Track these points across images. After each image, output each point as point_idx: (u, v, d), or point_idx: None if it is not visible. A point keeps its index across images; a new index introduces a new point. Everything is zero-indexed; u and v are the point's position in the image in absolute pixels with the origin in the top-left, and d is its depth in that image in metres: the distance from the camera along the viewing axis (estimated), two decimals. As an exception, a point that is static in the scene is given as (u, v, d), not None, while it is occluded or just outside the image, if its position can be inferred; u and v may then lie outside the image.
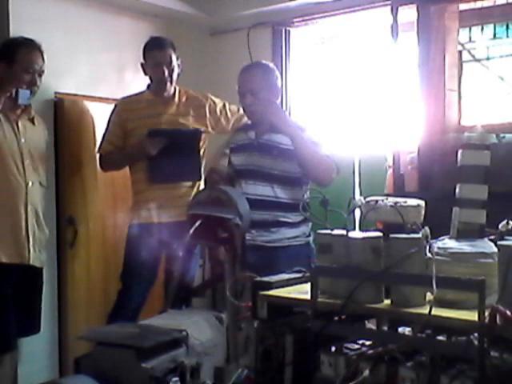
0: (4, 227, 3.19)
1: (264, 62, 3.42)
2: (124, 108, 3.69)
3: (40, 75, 3.31)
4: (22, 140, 3.26)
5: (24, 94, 3.21)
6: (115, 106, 3.73)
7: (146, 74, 3.69)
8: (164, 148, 3.49)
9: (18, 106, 3.26)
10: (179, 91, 3.72)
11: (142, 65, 3.68)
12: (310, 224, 3.26)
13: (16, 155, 3.22)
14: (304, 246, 3.19)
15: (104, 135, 3.70)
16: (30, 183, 3.25)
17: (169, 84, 3.63)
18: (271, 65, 3.38)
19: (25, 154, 3.26)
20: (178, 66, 3.66)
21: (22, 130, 3.28)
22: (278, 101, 3.33)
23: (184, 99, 3.73)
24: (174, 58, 3.62)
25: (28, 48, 3.28)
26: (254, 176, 3.19)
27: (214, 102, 3.77)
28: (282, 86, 3.40)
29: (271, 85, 3.25)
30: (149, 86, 3.72)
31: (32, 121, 3.37)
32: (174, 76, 3.64)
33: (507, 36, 4.40)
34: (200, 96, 3.77)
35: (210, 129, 3.73)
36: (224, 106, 3.77)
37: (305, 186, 3.20)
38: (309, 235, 3.24)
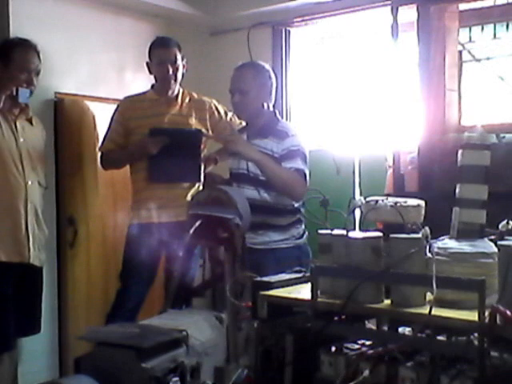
0: (4, 226, 3.20)
1: (258, 62, 3.42)
2: (127, 107, 3.69)
3: (37, 74, 3.32)
4: (21, 140, 3.27)
5: (24, 92, 3.24)
6: (118, 104, 3.73)
7: (150, 72, 3.69)
8: (165, 147, 3.49)
9: (17, 106, 3.27)
10: (183, 92, 3.73)
11: (147, 64, 3.68)
12: (302, 226, 3.27)
13: (15, 155, 3.23)
14: (293, 248, 3.21)
15: (106, 133, 3.70)
16: (30, 182, 3.26)
17: (173, 82, 3.63)
18: (266, 65, 3.37)
19: (23, 153, 3.27)
20: (183, 66, 3.66)
21: (21, 130, 3.29)
22: (271, 101, 3.32)
23: (187, 100, 3.73)
24: (178, 57, 3.62)
25: (23, 48, 3.30)
26: (243, 179, 3.22)
27: (217, 108, 3.77)
28: (278, 86, 3.38)
29: (262, 85, 3.26)
30: (153, 86, 3.72)
31: (30, 121, 3.38)
32: (179, 75, 3.64)
33: (507, 36, 4.39)
34: (203, 99, 3.77)
35: (210, 132, 3.73)
36: (226, 114, 3.77)
37: None
38: (300, 237, 3.25)
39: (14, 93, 3.21)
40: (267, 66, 3.37)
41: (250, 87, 3.24)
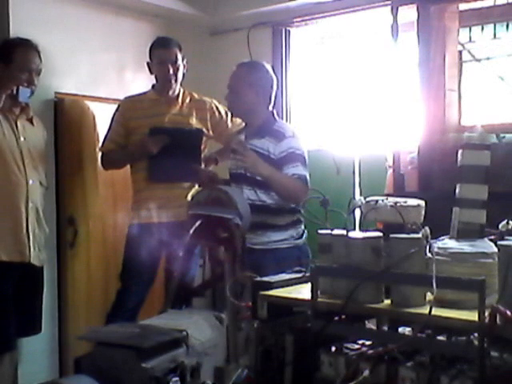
0: (5, 225, 3.20)
1: (258, 62, 3.42)
2: (127, 107, 3.69)
3: (37, 74, 3.33)
4: (22, 139, 3.28)
5: (24, 91, 3.24)
6: (119, 104, 3.73)
7: (151, 72, 3.70)
8: (165, 147, 3.49)
9: (17, 105, 3.27)
10: (183, 92, 3.73)
11: (147, 64, 3.68)
12: (301, 226, 3.27)
13: (16, 154, 3.24)
14: (293, 248, 3.20)
15: (106, 133, 3.70)
16: (31, 181, 3.26)
17: (173, 82, 3.63)
18: (266, 66, 3.36)
19: (24, 152, 3.27)
20: (184, 66, 3.67)
21: (21, 129, 3.30)
22: (269, 102, 3.32)
23: (188, 100, 3.73)
24: (179, 57, 3.63)
25: (24, 48, 3.31)
26: (241, 179, 3.23)
27: (217, 108, 3.77)
28: (278, 86, 3.37)
29: (254, 84, 3.25)
30: (153, 86, 3.73)
31: (31, 121, 3.39)
32: (179, 75, 3.64)
33: (507, 36, 4.39)
34: (204, 99, 3.78)
35: (210, 132, 3.73)
36: (226, 114, 3.76)
37: None
38: (299, 238, 3.25)
39: (15, 92, 3.21)
40: (267, 67, 3.36)
41: (240, 86, 3.25)
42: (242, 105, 3.27)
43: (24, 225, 3.24)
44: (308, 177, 3.16)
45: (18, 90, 3.21)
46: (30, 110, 3.36)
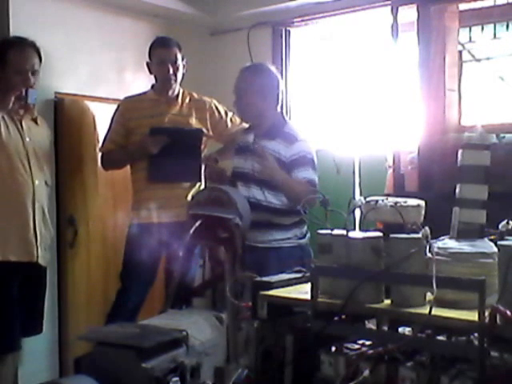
0: (12, 225, 3.19)
1: (263, 63, 3.42)
2: (127, 107, 3.69)
3: (33, 74, 3.30)
4: (27, 139, 3.27)
5: (33, 93, 3.24)
6: (118, 105, 3.73)
7: (151, 72, 3.69)
8: (165, 147, 3.49)
9: (23, 105, 3.26)
10: (183, 92, 3.73)
11: (147, 64, 3.68)
12: (305, 226, 3.27)
13: (22, 154, 3.23)
14: (295, 247, 3.21)
15: (106, 134, 3.70)
16: (37, 182, 3.26)
17: (173, 82, 3.63)
18: (271, 68, 3.37)
19: (30, 153, 3.27)
20: (184, 66, 3.67)
21: (27, 129, 3.29)
22: (277, 103, 3.33)
23: (187, 100, 3.73)
24: (179, 56, 3.63)
25: (19, 48, 3.27)
26: (248, 179, 3.23)
27: (217, 108, 3.77)
28: (280, 87, 3.37)
29: (261, 89, 3.26)
30: (153, 86, 3.73)
31: (35, 121, 3.38)
32: (179, 75, 3.64)
33: (507, 36, 4.39)
34: (203, 99, 3.77)
35: (210, 132, 3.73)
36: (226, 114, 3.77)
37: None
38: (302, 237, 3.26)
39: (24, 93, 3.21)
40: (271, 68, 3.37)
41: (247, 93, 3.26)
42: (251, 110, 3.28)
43: (31, 225, 3.23)
44: (317, 180, 3.18)
45: (27, 92, 3.21)
46: (34, 110, 3.36)
